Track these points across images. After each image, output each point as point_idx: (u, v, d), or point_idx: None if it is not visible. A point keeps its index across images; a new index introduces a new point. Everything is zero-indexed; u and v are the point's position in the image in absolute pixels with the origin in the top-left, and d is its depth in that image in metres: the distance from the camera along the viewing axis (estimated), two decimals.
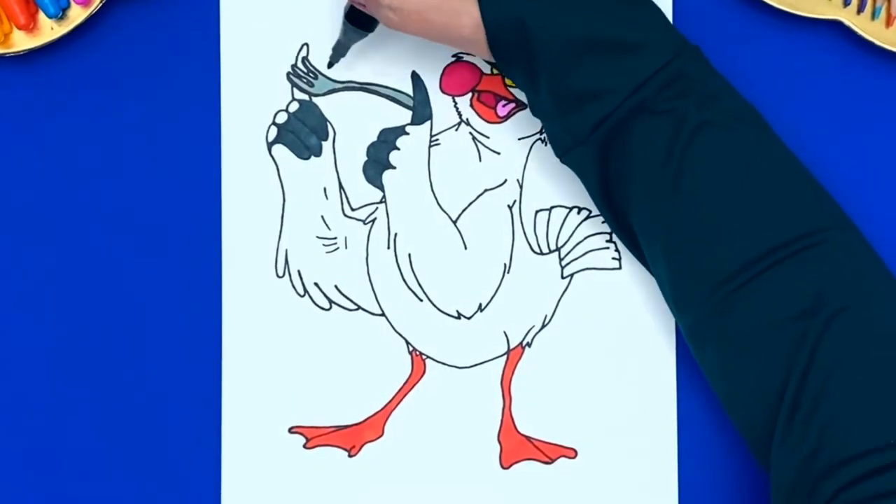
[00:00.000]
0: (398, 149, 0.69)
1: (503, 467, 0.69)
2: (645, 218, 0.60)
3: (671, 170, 0.58)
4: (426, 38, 0.62)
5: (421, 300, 0.69)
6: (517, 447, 0.69)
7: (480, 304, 0.69)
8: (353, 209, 0.69)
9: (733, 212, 0.58)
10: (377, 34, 0.67)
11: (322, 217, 0.69)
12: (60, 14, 0.67)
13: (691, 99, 0.58)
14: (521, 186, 0.69)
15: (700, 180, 0.58)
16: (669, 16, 0.69)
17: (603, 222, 0.69)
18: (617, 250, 0.69)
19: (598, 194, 0.62)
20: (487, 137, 0.69)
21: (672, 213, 0.59)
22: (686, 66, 0.59)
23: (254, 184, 0.69)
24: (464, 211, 0.69)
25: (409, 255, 0.69)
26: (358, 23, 0.64)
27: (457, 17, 0.60)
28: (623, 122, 0.59)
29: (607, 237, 0.69)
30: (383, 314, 0.69)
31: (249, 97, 0.69)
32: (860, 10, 0.67)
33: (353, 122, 0.69)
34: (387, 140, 0.69)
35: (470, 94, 0.69)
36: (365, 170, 0.69)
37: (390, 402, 0.69)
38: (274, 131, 0.69)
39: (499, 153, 0.69)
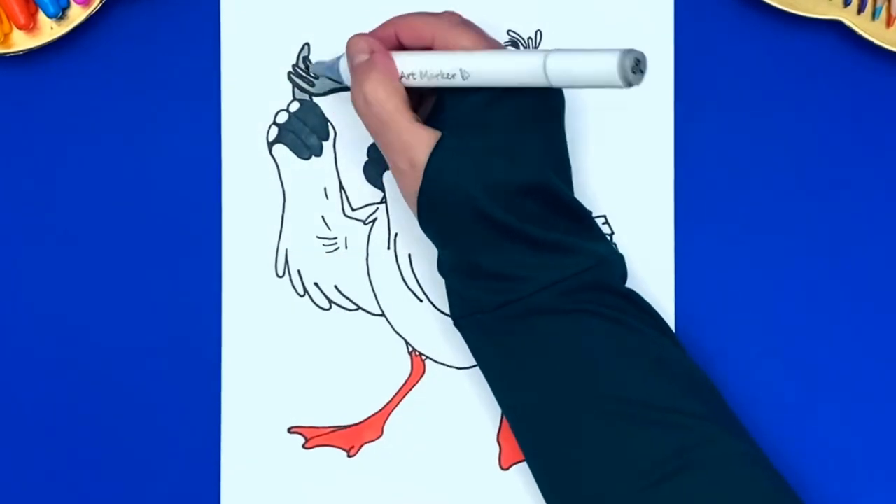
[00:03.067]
0: None
1: (502, 468, 0.69)
2: (524, 409, 0.61)
3: (572, 369, 0.59)
4: (373, 138, 0.61)
5: (421, 301, 0.69)
6: (517, 448, 0.69)
7: None
8: (353, 209, 0.69)
9: (624, 423, 0.57)
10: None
11: (322, 217, 0.69)
12: (60, 14, 0.67)
13: (602, 305, 0.59)
14: None
15: (586, 380, 0.58)
16: (670, 16, 0.69)
17: (604, 223, 0.69)
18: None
19: (485, 362, 0.62)
20: None
21: (555, 409, 0.59)
22: (604, 276, 0.59)
23: (254, 184, 0.69)
24: None
25: (410, 256, 0.69)
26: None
27: (402, 151, 0.59)
28: (530, 311, 0.58)
29: (608, 238, 0.69)
30: (383, 314, 0.69)
31: (250, 97, 0.69)
32: (860, 10, 0.67)
33: (354, 122, 0.68)
34: None
35: None
36: (366, 169, 0.69)
37: (390, 402, 0.69)
38: (275, 131, 0.69)
39: None
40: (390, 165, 0.60)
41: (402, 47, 0.61)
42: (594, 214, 0.68)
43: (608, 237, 0.67)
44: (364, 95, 0.59)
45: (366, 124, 0.61)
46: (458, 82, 0.57)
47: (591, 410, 0.58)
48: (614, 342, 0.59)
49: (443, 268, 0.61)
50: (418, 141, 0.58)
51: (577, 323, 0.58)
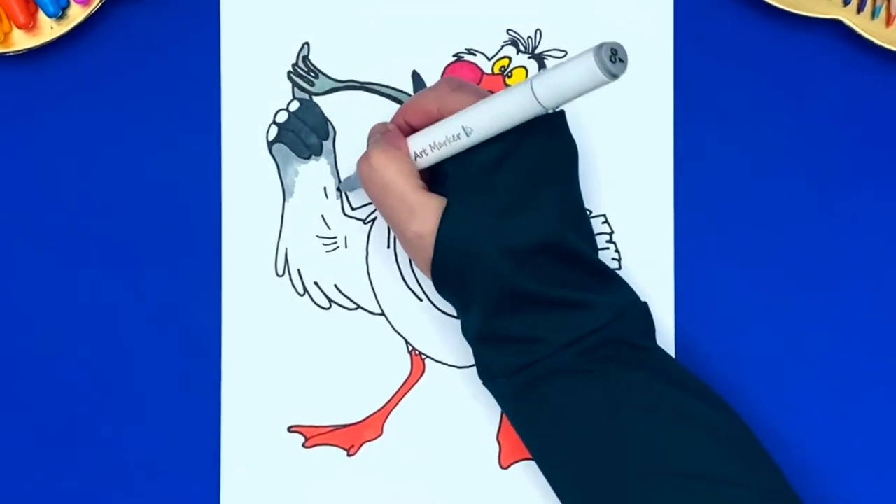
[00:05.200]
0: None
1: (502, 467, 0.69)
2: (562, 473, 0.60)
3: (593, 433, 0.58)
4: (379, 210, 0.61)
5: (420, 300, 0.69)
6: (516, 447, 0.69)
7: None
8: (353, 208, 0.69)
9: (654, 489, 0.56)
10: (380, 33, 0.67)
11: (322, 216, 0.69)
12: (60, 13, 0.67)
13: (620, 362, 0.58)
14: None
15: (618, 448, 0.57)
16: (670, 16, 0.69)
17: (603, 222, 0.69)
18: (617, 251, 0.69)
19: (518, 427, 0.62)
20: None
21: (589, 479, 0.58)
22: (622, 332, 0.58)
23: (254, 184, 0.69)
24: None
25: None
26: None
27: (409, 220, 0.58)
28: (549, 373, 0.58)
29: (607, 237, 0.69)
30: (383, 314, 0.69)
31: (250, 96, 0.69)
32: (860, 9, 0.67)
33: (354, 121, 0.69)
34: None
35: None
36: None
37: (389, 401, 0.69)
38: (274, 130, 0.69)
39: None
40: (396, 235, 0.60)
41: (415, 132, 0.62)
42: (594, 214, 0.69)
43: (623, 279, 0.64)
44: (368, 160, 0.60)
45: (369, 193, 0.61)
46: (465, 141, 0.58)
47: (614, 477, 0.57)
48: (635, 408, 0.57)
49: (465, 332, 0.61)
50: (424, 208, 0.58)
51: (598, 387, 0.58)
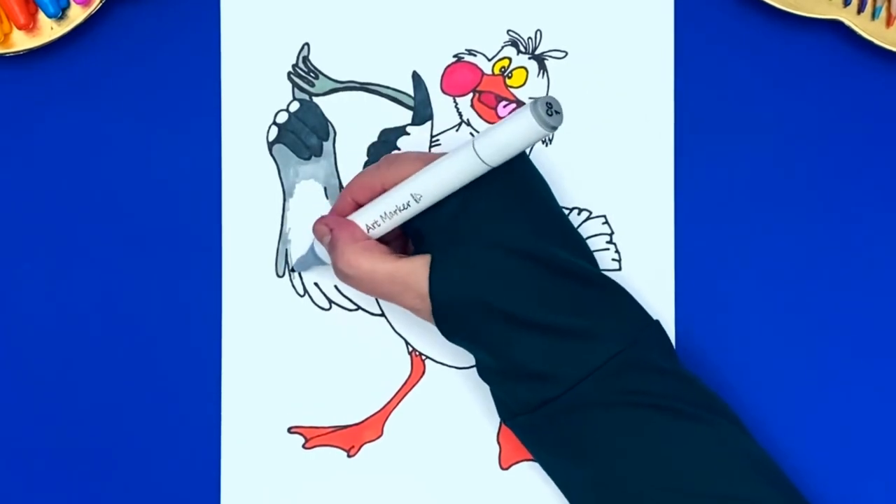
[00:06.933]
0: (399, 149, 0.69)
1: (502, 468, 0.69)
2: (585, 499, 0.61)
3: (617, 462, 0.58)
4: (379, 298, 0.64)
5: None
6: (516, 448, 0.69)
7: None
8: None
9: None
10: (380, 34, 0.67)
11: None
12: (60, 14, 0.67)
13: (641, 389, 0.58)
14: None
15: (647, 474, 0.58)
16: (670, 16, 0.69)
17: (603, 223, 0.69)
18: (617, 251, 0.69)
19: (540, 459, 0.63)
20: None
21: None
22: (637, 355, 0.58)
23: (254, 184, 0.69)
24: None
25: None
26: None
27: (405, 292, 0.60)
28: (569, 408, 0.58)
29: (608, 238, 0.69)
30: (383, 314, 0.69)
31: (250, 97, 0.69)
32: (860, 10, 0.67)
33: (354, 121, 0.69)
34: (387, 140, 0.69)
35: (471, 95, 0.69)
36: None
37: (390, 402, 0.69)
38: (274, 131, 0.69)
39: None
40: (407, 309, 0.61)
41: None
42: (594, 214, 0.69)
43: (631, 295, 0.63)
44: (341, 272, 0.61)
45: (362, 292, 0.62)
46: (416, 208, 0.59)
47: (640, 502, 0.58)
48: (660, 433, 0.58)
49: (482, 373, 0.62)
50: (414, 277, 0.59)
51: (621, 417, 0.58)
